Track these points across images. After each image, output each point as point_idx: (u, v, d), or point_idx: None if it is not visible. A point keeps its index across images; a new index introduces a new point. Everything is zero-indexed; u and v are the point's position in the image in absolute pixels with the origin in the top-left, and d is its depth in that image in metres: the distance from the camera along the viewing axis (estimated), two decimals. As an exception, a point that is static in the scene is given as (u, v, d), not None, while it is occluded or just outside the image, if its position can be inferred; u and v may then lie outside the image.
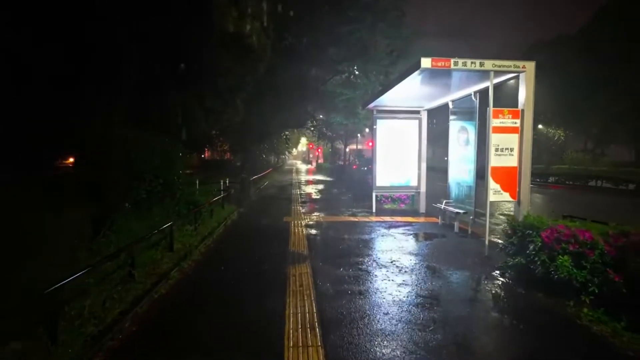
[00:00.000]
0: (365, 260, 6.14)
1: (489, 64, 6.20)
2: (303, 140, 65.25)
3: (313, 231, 8.63)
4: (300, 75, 25.42)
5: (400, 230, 8.83)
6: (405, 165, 11.63)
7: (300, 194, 17.14)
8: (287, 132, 39.25)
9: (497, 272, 5.54)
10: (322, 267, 5.75)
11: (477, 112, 8.14)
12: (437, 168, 20.86)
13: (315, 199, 15.75)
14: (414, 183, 11.67)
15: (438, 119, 25.82)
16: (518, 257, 4.91)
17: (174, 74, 10.98)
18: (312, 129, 30.79)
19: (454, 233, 8.51)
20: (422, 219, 10.41)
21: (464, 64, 6.18)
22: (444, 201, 9.29)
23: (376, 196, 11.79)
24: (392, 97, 9.98)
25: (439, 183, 16.06)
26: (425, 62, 6.14)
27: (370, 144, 40.50)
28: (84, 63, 8.59)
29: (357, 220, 10.17)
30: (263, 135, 25.63)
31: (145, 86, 9.97)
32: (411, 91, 9.22)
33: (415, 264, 6.02)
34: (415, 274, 5.50)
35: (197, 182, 14.10)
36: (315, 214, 11.36)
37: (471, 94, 8.23)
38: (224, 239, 7.90)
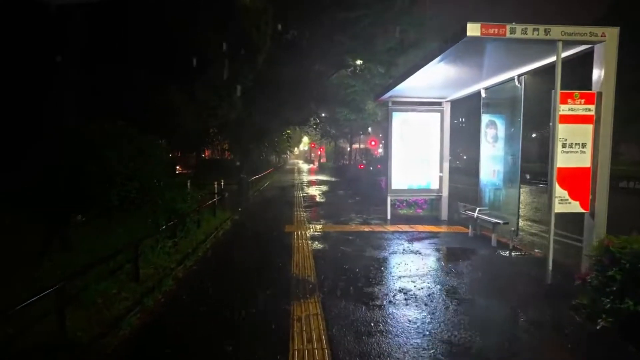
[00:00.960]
0: (393, 294, 4.62)
1: (556, 32, 4.66)
2: (305, 140, 63.73)
3: (320, 246, 7.11)
4: (303, 69, 23.90)
5: (426, 244, 7.31)
6: (425, 166, 10.09)
7: (304, 197, 15.62)
8: (288, 131, 37.77)
9: (582, 313, 4.00)
10: (337, 305, 4.23)
11: (521, 101, 6.63)
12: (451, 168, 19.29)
13: (320, 202, 14.23)
14: (435, 186, 10.14)
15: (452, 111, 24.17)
16: (626, 300, 3.38)
17: (148, 58, 9.47)
18: (315, 127, 29.28)
19: (492, 248, 6.98)
20: (446, 229, 8.88)
21: (524, 31, 4.64)
22: (477, 208, 7.75)
23: (391, 201, 10.27)
24: (412, 86, 8.47)
25: (458, 185, 14.47)
26: (473, 29, 4.61)
27: (373, 142, 39.00)
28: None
29: (371, 230, 8.64)
30: (263, 134, 24.13)
31: (112, 72, 8.46)
32: (435, 78, 7.71)
33: (461, 298, 4.49)
34: (469, 319, 3.98)
35: (189, 184, 12.63)
36: (322, 221, 9.84)
37: (514, 78, 6.70)
38: (211, 258, 6.39)
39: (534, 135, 32.57)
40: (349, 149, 34.61)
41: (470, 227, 8.19)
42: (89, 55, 7.63)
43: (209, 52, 12.28)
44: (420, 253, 6.54)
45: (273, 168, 37.61)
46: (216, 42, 12.29)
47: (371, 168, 25.27)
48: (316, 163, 58.50)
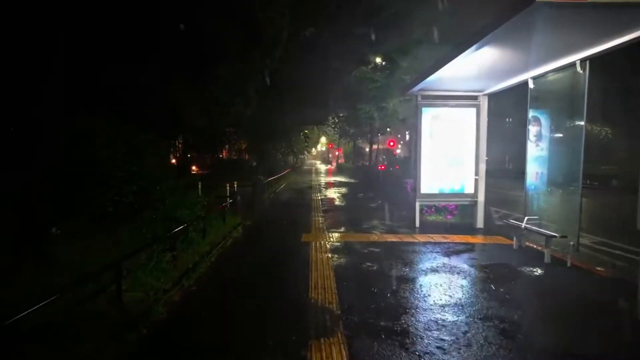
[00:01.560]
0: (437, 332, 3.61)
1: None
2: (323, 140, 62.83)
3: (342, 260, 6.14)
4: (321, 65, 23.00)
5: (465, 259, 6.25)
6: (458, 167, 9.00)
7: (322, 200, 14.68)
8: (306, 131, 36.99)
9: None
10: (368, 351, 3.26)
11: (585, 90, 5.51)
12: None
13: (339, 206, 13.25)
14: (470, 190, 9.02)
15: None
16: None
17: (152, 51, 8.71)
18: (334, 126, 28.36)
19: (546, 266, 5.86)
20: (485, 239, 7.78)
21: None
22: (525, 218, 6.63)
23: (419, 207, 9.21)
24: (445, 77, 7.44)
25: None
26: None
27: (392, 143, 37.64)
28: None
29: (398, 240, 7.61)
30: (279, 133, 23.35)
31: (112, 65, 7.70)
32: (472, 67, 6.68)
33: (528, 343, 3.45)
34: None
35: (200, 186, 11.89)
36: (342, 229, 8.87)
37: (575, 64, 5.59)
38: (214, 276, 5.49)
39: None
40: (368, 149, 33.55)
41: (514, 238, 7.07)
42: (84, 45, 6.88)
43: (219, 45, 11.49)
44: (460, 272, 5.49)
45: (290, 168, 36.86)
46: (228, 35, 11.49)
47: (390, 169, 24.15)
48: (334, 164, 57.53)
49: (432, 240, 7.54)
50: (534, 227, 6.36)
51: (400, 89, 9.95)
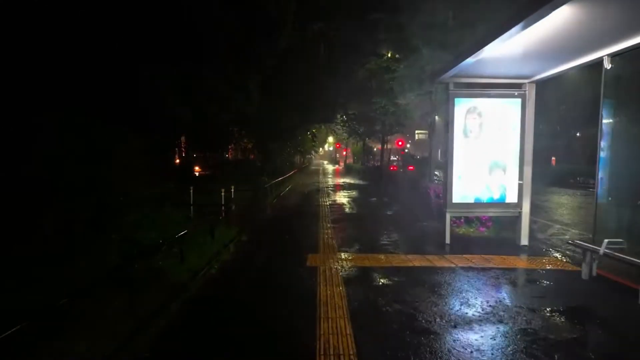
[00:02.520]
0: None
1: None
2: (330, 140, 61.21)
3: (362, 299, 4.55)
4: (330, 59, 21.47)
5: (528, 295, 4.63)
6: (498, 171, 7.37)
7: (330, 206, 13.10)
8: (314, 130, 35.41)
9: None
10: None
11: None
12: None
13: (351, 214, 11.66)
14: (513, 198, 7.39)
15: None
16: None
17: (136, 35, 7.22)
18: (342, 124, 26.81)
19: (644, 310, 4.23)
20: (538, 263, 6.15)
21: None
22: (605, 241, 4.99)
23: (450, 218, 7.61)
24: (487, 59, 5.87)
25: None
26: None
27: (400, 142, 35.85)
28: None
29: (429, 265, 6.00)
30: (285, 132, 21.86)
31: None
32: (523, 46, 5.09)
33: None
34: None
35: (192, 192, 10.38)
36: (356, 246, 7.30)
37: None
38: (178, 334, 3.93)
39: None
40: (376, 149, 31.86)
41: (583, 265, 5.43)
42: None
43: (215, 30, 9.97)
44: (531, 321, 3.88)
45: (297, 169, 35.37)
46: (225, 19, 9.96)
47: (400, 170, 22.51)
48: (342, 164, 55.92)
49: (472, 265, 5.93)
50: (620, 255, 4.72)
51: (431, 73, 8.30)
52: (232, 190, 10.81)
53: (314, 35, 17.89)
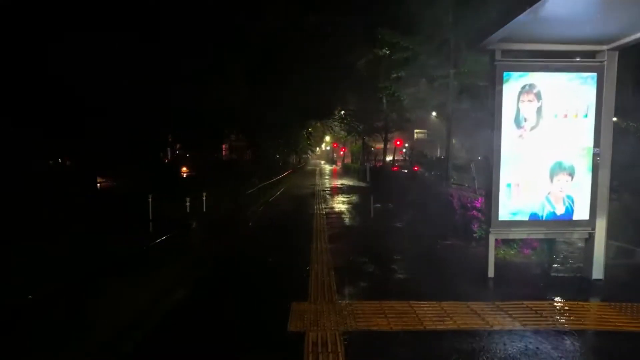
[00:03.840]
0: None
1: None
2: (327, 139, 59.01)
3: None
4: (328, 46, 19.30)
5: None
6: (563, 176, 5.22)
7: (327, 216, 10.93)
8: (310, 129, 33.23)
9: None
10: None
11: None
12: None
13: (352, 228, 9.51)
14: (582, 214, 5.24)
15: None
16: None
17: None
18: (340, 121, 24.70)
19: None
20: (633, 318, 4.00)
21: None
22: None
23: (487, 238, 5.44)
24: (550, 15, 3.78)
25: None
26: None
27: (399, 142, 33.54)
28: None
29: (481, 325, 3.83)
30: (278, 129, 19.65)
31: None
32: None
33: None
34: None
35: (151, 200, 8.24)
36: (363, 284, 5.13)
37: None
38: None
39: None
40: (373, 148, 29.72)
41: None
42: None
43: None
44: None
45: (292, 169, 33.19)
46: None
47: (404, 171, 20.28)
48: (339, 164, 53.80)
49: (548, 324, 3.78)
50: None
51: (472, 36, 6.10)
52: (204, 198, 8.64)
53: (306, 23, 15.79)
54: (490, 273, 5.29)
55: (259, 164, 23.10)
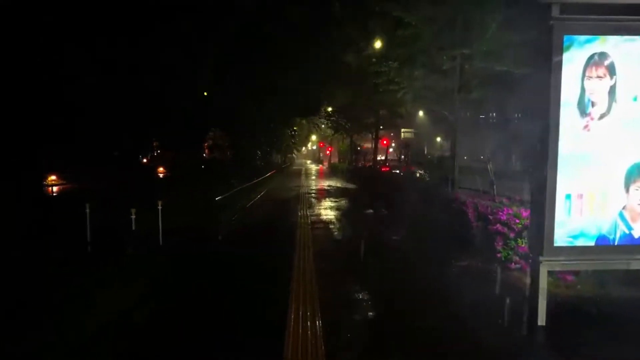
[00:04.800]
0: None
1: None
2: (314, 138, 57.35)
3: None
4: (315, 37, 17.69)
5: None
6: (643, 183, 3.74)
7: (313, 226, 9.31)
8: (295, 127, 31.60)
9: None
10: None
11: None
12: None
13: (344, 243, 7.93)
14: (668, 237, 3.76)
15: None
16: None
17: None
18: (327, 119, 23.13)
19: None
20: None
21: None
22: None
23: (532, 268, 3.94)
24: None
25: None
26: None
27: (385, 142, 31.92)
28: None
29: None
30: (258, 126, 17.89)
31: None
32: None
33: None
34: None
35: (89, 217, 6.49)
36: (365, 341, 3.55)
37: None
38: None
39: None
40: (359, 147, 28.21)
41: None
42: None
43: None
44: None
45: (276, 170, 31.46)
46: None
47: (396, 171, 18.85)
48: (326, 164, 52.22)
49: None
50: None
51: None
52: (159, 208, 6.93)
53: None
54: (541, 320, 3.78)
55: (239, 164, 21.33)
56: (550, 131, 3.64)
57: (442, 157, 9.89)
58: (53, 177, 19.42)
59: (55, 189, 17.52)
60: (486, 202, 6.54)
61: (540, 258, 3.76)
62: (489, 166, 6.75)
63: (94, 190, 14.41)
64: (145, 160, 37.03)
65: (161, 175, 31.81)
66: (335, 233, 8.53)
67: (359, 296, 4.80)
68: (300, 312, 4.06)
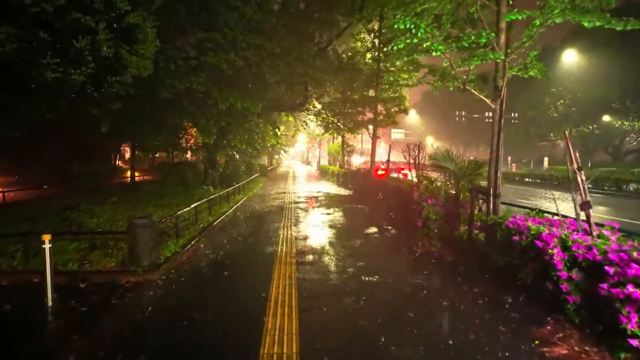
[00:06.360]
0: None
1: None
2: (303, 139, 54.40)
3: None
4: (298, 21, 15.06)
5: None
6: None
7: (300, 259, 6.60)
8: (280, 126, 28.76)
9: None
10: None
11: None
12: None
13: (346, 295, 5.24)
14: None
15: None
16: None
17: None
18: (316, 117, 20.44)
19: None
20: None
21: None
22: None
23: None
24: None
25: None
26: None
27: (390, 144, 29.08)
28: None
29: None
30: (232, 121, 15.01)
31: None
32: None
33: None
34: None
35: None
36: None
37: None
38: None
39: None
40: (349, 148, 25.58)
41: None
42: None
43: None
44: None
45: (259, 173, 28.55)
46: None
47: (396, 175, 16.32)
48: (314, 165, 49.39)
49: None
50: None
51: None
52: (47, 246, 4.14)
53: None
54: None
55: (213, 167, 18.50)
56: None
57: (476, 161, 7.25)
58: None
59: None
60: (585, 239, 3.96)
61: None
62: (580, 178, 4.16)
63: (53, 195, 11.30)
64: (117, 164, 33.75)
65: (128, 181, 28.48)
66: (331, 279, 5.79)
67: None
68: None
